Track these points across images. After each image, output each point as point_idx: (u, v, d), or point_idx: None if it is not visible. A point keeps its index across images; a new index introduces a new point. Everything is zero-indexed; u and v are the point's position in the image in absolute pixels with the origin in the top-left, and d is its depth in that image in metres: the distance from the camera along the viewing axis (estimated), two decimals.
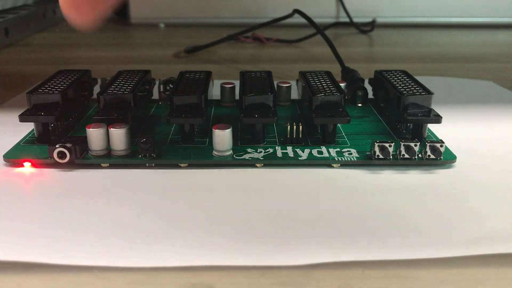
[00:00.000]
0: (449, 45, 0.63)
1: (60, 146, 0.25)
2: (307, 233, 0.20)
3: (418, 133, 0.28)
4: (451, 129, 0.31)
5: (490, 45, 0.64)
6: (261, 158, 0.26)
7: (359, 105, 0.35)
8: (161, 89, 0.35)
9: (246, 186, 0.24)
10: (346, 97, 0.35)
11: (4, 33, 0.58)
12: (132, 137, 0.26)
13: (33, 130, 0.28)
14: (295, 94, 0.36)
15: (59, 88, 0.29)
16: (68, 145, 0.25)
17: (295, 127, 0.27)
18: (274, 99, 0.28)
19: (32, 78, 0.42)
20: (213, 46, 0.54)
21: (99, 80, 0.36)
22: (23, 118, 0.27)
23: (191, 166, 0.26)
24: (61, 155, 0.25)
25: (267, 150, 0.27)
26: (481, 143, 0.29)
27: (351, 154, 0.26)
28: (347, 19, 0.71)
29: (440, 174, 0.25)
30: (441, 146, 0.25)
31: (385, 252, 0.19)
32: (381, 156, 0.25)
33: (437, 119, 0.27)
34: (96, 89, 0.34)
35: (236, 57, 0.55)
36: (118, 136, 0.25)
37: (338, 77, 0.36)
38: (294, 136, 0.28)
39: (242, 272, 0.18)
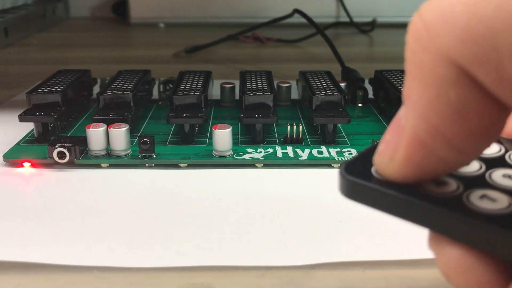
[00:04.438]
0: None
1: (59, 146, 0.25)
2: (307, 233, 0.20)
3: None
4: None
5: None
6: (261, 158, 0.26)
7: (359, 105, 0.35)
8: (161, 89, 0.35)
9: (246, 186, 0.24)
10: (346, 97, 0.35)
11: (3, 33, 0.58)
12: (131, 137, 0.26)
13: (32, 130, 0.28)
14: (295, 94, 0.35)
15: (58, 88, 0.29)
16: (68, 145, 0.25)
17: (295, 127, 0.27)
18: (274, 99, 0.28)
19: (31, 78, 0.42)
20: (213, 46, 0.54)
21: (98, 80, 0.36)
22: (22, 118, 0.27)
23: (191, 166, 0.26)
24: (61, 155, 0.25)
25: (267, 150, 0.27)
26: None
27: (351, 154, 0.26)
28: (347, 19, 0.71)
29: None
30: None
31: (385, 252, 0.19)
32: None
33: None
34: (96, 89, 0.34)
35: (236, 57, 0.55)
36: (118, 136, 0.25)
37: (338, 77, 0.36)
38: (294, 136, 0.28)
39: (241, 272, 0.18)
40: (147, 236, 0.19)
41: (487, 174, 0.12)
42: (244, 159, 0.26)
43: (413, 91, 0.10)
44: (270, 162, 0.26)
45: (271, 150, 0.27)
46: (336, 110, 0.28)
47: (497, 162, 0.13)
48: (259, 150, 0.27)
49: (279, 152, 0.26)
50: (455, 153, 0.10)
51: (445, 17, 0.09)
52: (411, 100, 0.10)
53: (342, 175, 0.12)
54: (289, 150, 0.27)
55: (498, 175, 0.12)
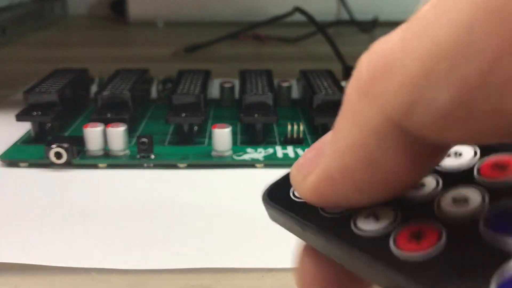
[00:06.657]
0: None
1: (56, 146, 0.24)
2: None
3: None
4: None
5: None
6: (261, 159, 0.25)
7: None
8: (160, 89, 0.35)
9: (246, 186, 0.23)
10: None
11: (1, 31, 0.58)
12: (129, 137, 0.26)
13: (29, 130, 0.28)
14: (295, 94, 0.35)
15: (56, 87, 0.29)
16: (65, 145, 0.25)
17: (295, 127, 0.27)
18: (274, 98, 0.28)
19: (28, 77, 0.42)
20: (212, 44, 0.53)
21: (96, 79, 0.35)
22: (19, 117, 0.27)
23: (190, 166, 0.25)
24: (58, 155, 0.25)
25: (267, 150, 0.26)
26: None
27: None
28: (348, 18, 0.71)
29: None
30: None
31: None
32: None
33: None
34: (94, 88, 0.34)
35: (236, 56, 0.54)
36: (116, 136, 0.25)
37: (339, 76, 0.35)
38: (295, 136, 0.27)
39: (241, 274, 0.17)
40: (146, 238, 0.19)
41: None
42: (244, 159, 0.25)
43: (341, 128, 0.10)
44: (270, 163, 0.25)
45: (271, 150, 0.26)
46: (337, 109, 0.27)
47: None
48: (259, 150, 0.26)
49: (279, 152, 0.26)
50: (360, 195, 0.10)
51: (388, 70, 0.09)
52: (336, 135, 0.11)
53: (263, 199, 0.12)
54: (290, 150, 0.26)
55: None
